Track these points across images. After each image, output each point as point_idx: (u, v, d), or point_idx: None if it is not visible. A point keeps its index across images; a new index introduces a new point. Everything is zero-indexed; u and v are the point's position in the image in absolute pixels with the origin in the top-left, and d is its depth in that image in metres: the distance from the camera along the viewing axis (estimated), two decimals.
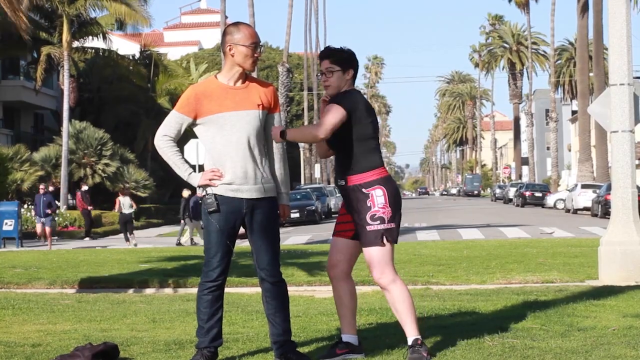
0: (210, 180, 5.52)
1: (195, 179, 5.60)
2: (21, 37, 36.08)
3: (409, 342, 5.60)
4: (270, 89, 5.71)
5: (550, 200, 54.08)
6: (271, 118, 5.68)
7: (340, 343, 5.78)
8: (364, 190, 5.62)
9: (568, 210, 45.02)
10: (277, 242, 5.65)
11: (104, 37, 41.89)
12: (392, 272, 5.64)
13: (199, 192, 5.77)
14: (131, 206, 27.38)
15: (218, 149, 5.54)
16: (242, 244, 14.98)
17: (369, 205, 5.60)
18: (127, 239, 26.51)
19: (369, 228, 5.59)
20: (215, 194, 5.51)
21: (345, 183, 5.67)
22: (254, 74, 5.88)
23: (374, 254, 5.61)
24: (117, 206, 27.96)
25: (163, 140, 5.65)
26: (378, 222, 5.59)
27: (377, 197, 5.60)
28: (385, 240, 5.60)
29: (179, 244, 25.81)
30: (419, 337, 5.60)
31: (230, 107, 5.53)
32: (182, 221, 26.63)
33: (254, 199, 5.53)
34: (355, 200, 5.63)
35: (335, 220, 5.93)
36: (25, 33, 28.23)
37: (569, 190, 52.89)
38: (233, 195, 5.50)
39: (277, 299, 5.61)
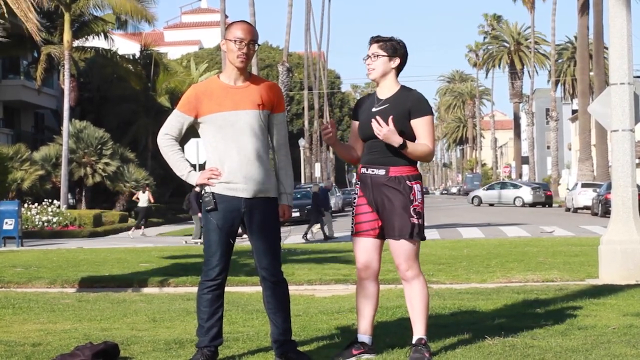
0: (208, 179, 5.53)
1: (194, 178, 5.61)
2: (21, 36, 36.20)
3: (414, 341, 5.59)
4: (273, 89, 5.68)
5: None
6: (274, 117, 5.66)
7: (356, 343, 5.74)
8: (408, 182, 5.60)
9: (568, 209, 45.04)
10: (277, 242, 5.64)
11: (105, 37, 41.87)
12: (418, 267, 5.65)
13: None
14: (148, 201, 32.16)
15: (217, 148, 5.54)
16: (243, 243, 14.99)
17: (411, 198, 5.59)
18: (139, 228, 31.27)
19: (412, 220, 5.57)
20: (213, 193, 5.52)
21: (386, 173, 5.60)
22: (254, 73, 5.88)
23: (409, 247, 5.60)
24: (135, 196, 32.80)
25: (165, 139, 5.66)
26: (417, 216, 5.60)
27: (418, 192, 5.62)
28: (421, 235, 5.62)
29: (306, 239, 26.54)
30: (425, 337, 5.60)
31: (230, 107, 5.52)
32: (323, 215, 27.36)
33: (252, 199, 5.52)
34: (397, 191, 5.57)
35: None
36: (35, 34, 28.19)
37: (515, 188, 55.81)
38: (231, 194, 5.50)
39: (278, 299, 5.61)
